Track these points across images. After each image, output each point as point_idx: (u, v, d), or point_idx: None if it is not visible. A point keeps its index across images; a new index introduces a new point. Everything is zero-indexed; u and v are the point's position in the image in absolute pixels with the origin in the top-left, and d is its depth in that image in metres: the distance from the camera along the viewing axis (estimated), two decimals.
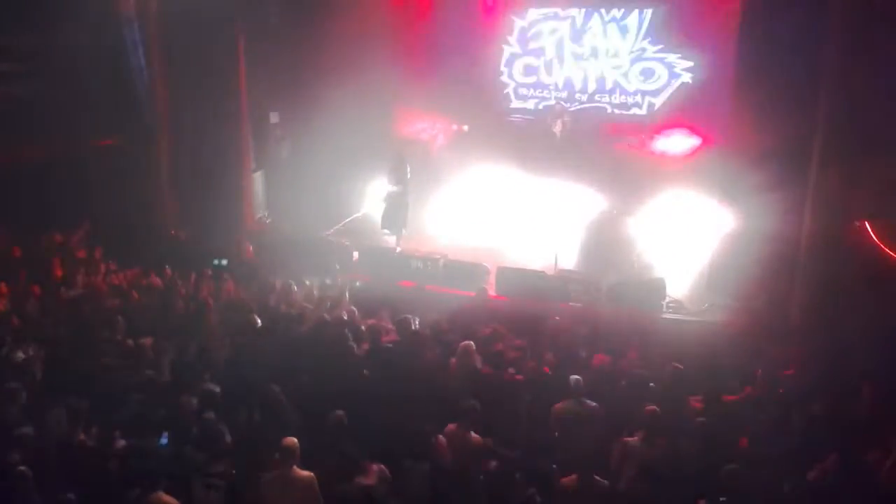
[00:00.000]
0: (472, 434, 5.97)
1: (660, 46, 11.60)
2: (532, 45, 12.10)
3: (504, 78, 12.46)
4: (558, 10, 11.79)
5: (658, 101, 11.82)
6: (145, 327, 8.01)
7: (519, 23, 12.07)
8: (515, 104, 12.68)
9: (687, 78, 11.64)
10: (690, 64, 11.53)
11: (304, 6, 12.94)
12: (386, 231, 12.18)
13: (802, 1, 9.60)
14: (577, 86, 12.17)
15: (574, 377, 6.71)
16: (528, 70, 12.37)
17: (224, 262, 10.98)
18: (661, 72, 11.70)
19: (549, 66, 12.17)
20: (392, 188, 11.90)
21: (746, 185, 9.82)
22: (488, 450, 5.97)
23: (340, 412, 5.90)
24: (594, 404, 6.61)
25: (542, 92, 12.37)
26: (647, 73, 11.71)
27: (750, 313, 9.50)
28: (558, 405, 6.60)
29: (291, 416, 6.23)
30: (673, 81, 11.65)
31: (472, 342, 7.39)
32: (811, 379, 7.26)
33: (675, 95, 12.49)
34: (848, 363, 7.56)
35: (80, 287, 9.57)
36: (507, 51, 12.35)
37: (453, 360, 7.34)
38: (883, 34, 8.62)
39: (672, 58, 11.64)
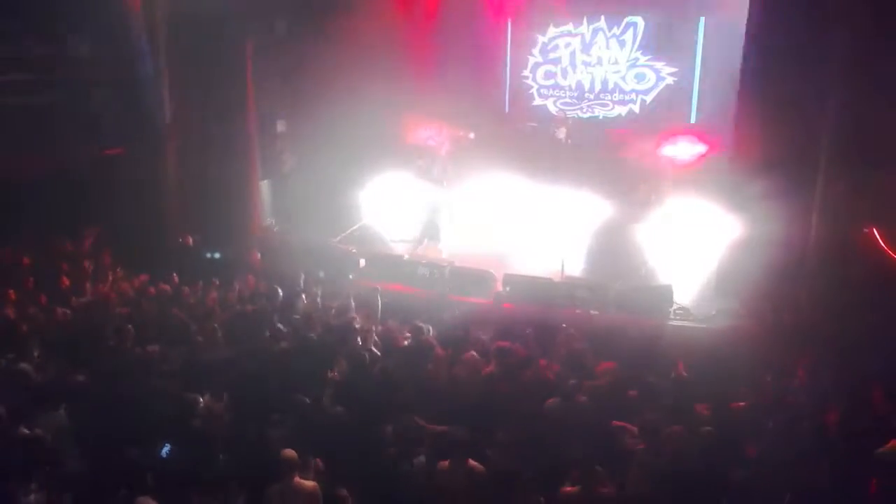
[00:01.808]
0: (471, 462, 5.69)
1: (649, 56, 13.71)
2: (551, 56, 14.50)
3: (529, 81, 14.70)
4: (571, 28, 14.18)
5: (648, 98, 13.85)
6: (152, 335, 8.04)
7: (541, 38, 14.56)
8: (538, 102, 14.71)
9: (670, 80, 13.61)
10: (674, 69, 13.52)
11: (312, 16, 13.01)
12: (431, 242, 12.24)
13: (808, 12, 9.59)
14: (586, 87, 14.34)
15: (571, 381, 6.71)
16: (548, 74, 14.61)
17: (217, 254, 11.13)
18: (650, 75, 13.81)
19: (564, 72, 14.51)
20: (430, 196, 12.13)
21: (753, 192, 9.81)
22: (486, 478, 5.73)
23: None
24: (584, 399, 6.62)
25: (558, 92, 14.53)
26: (640, 77, 13.89)
27: (757, 320, 9.46)
28: (550, 401, 6.60)
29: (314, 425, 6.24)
30: (659, 83, 13.72)
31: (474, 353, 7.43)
32: (820, 386, 7.21)
33: (681, 102, 13.40)
34: (856, 369, 7.52)
35: (88, 295, 9.62)
36: (531, 60, 14.60)
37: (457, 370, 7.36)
38: (888, 44, 8.61)
39: (658, 65, 13.69)
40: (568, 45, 14.21)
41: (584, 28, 14.01)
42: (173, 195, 12.70)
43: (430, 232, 12.28)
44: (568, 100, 14.34)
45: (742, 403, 7.03)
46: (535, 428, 6.44)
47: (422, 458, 5.87)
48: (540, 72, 14.52)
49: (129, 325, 7.98)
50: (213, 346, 7.81)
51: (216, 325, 8.32)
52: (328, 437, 6.05)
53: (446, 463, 5.71)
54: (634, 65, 13.74)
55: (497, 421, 6.46)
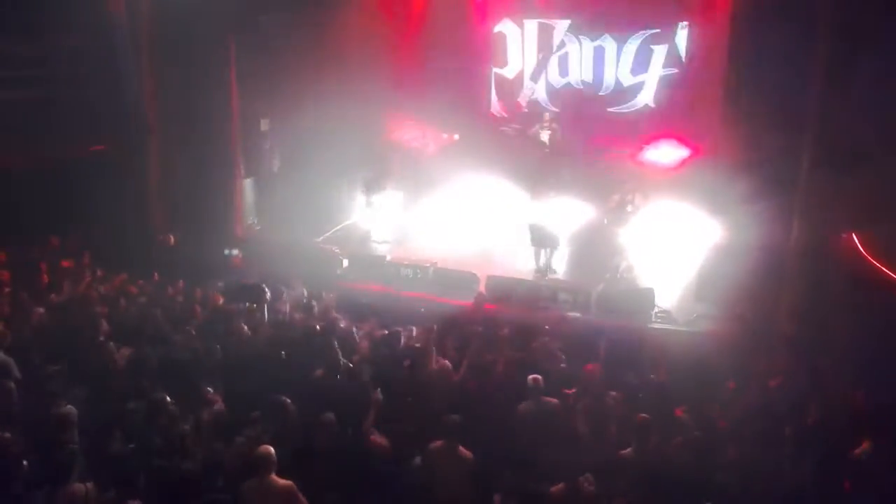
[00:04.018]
0: (461, 449, 5.91)
1: (633, 66, 13.43)
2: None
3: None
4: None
5: (630, 104, 13.58)
6: (131, 333, 7.97)
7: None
8: (523, 104, 14.42)
9: (652, 86, 13.37)
10: (657, 75, 13.30)
11: (296, 14, 12.96)
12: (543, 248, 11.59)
13: (791, 14, 9.67)
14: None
15: (532, 377, 6.72)
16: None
17: (235, 251, 11.11)
18: (633, 82, 13.53)
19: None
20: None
21: (734, 196, 9.88)
22: (477, 464, 5.92)
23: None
24: (554, 401, 6.62)
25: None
26: (622, 82, 13.60)
27: (738, 323, 9.53)
28: (521, 406, 6.60)
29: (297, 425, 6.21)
30: (641, 88, 13.46)
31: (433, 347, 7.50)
32: (799, 389, 7.27)
33: (665, 106, 13.31)
34: (835, 373, 7.59)
35: (66, 293, 9.51)
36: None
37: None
38: (870, 47, 8.71)
39: (641, 75, 13.41)
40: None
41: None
42: (155, 193, 12.60)
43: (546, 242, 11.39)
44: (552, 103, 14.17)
45: (723, 406, 7.09)
46: (507, 430, 6.46)
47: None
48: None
49: (107, 324, 7.93)
50: (191, 346, 7.74)
51: (196, 324, 8.28)
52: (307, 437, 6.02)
53: (440, 443, 5.85)
54: (618, 75, 13.62)
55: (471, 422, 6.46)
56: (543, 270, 11.34)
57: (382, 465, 5.90)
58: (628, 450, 5.99)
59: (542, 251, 11.39)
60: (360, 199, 13.13)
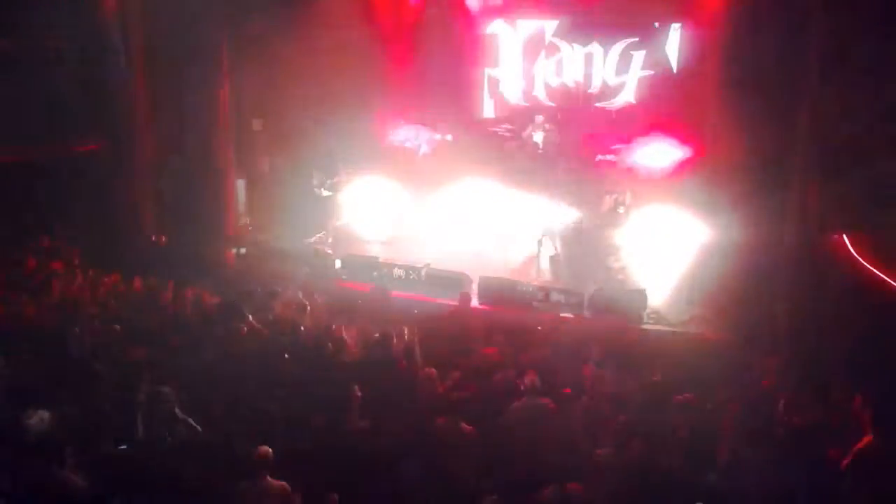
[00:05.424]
0: (463, 424, 6.09)
1: (625, 66, 13.44)
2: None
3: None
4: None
5: (629, 96, 13.56)
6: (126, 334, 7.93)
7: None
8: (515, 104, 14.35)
9: (646, 87, 13.36)
10: (650, 74, 13.31)
11: (288, 14, 12.92)
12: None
13: (784, 17, 9.72)
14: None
15: (528, 377, 6.71)
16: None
17: (243, 250, 11.12)
18: (627, 83, 13.55)
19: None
20: None
21: (727, 197, 9.92)
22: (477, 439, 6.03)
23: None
24: (549, 402, 6.62)
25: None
26: (617, 84, 13.60)
27: (729, 325, 9.56)
28: (515, 404, 6.59)
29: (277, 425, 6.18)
30: (635, 90, 13.50)
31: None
32: (792, 390, 7.29)
33: (658, 109, 13.19)
34: (829, 375, 7.62)
35: (57, 294, 9.46)
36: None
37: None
38: (863, 49, 8.75)
39: (634, 74, 13.43)
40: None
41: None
42: (146, 193, 12.53)
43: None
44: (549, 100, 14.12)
45: (714, 407, 7.10)
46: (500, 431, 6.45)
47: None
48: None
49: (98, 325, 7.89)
50: (184, 346, 7.72)
51: (187, 325, 8.25)
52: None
53: (443, 420, 6.04)
54: (604, 75, 13.63)
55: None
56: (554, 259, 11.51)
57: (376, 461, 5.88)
58: (613, 450, 5.98)
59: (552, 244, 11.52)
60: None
